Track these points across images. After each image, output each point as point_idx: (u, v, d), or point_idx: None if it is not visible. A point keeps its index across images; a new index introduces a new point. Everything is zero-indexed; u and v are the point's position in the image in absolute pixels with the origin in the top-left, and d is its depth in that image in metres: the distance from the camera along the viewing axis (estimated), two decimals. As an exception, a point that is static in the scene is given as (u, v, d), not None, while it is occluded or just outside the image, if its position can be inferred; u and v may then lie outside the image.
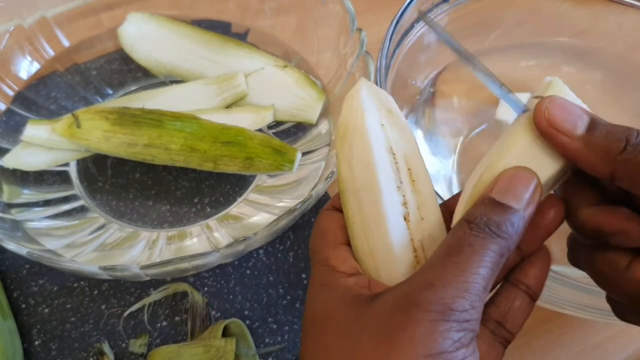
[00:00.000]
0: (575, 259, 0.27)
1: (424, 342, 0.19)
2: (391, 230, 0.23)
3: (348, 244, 0.25)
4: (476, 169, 0.24)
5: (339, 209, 0.26)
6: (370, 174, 0.24)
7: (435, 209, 0.24)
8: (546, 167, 0.23)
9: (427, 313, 0.19)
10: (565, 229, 0.26)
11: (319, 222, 0.26)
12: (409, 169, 0.24)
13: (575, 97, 0.24)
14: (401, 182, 0.24)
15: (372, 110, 0.24)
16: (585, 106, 0.24)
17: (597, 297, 0.31)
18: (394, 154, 0.24)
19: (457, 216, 0.23)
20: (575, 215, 0.24)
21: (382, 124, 0.25)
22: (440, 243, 0.22)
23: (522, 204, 0.22)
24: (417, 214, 0.24)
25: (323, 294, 0.23)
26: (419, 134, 0.47)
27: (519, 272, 0.25)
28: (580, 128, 0.22)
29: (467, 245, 0.21)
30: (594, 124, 0.22)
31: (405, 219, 0.23)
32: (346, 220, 0.25)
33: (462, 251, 0.20)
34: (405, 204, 0.24)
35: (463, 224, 0.21)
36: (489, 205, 0.22)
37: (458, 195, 0.25)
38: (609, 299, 0.26)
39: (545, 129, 0.22)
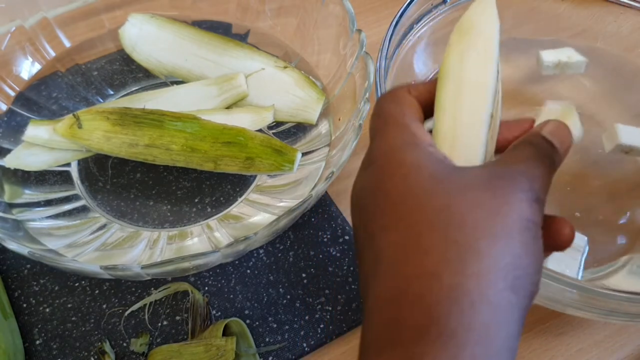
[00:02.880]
0: None
1: (519, 206, 0.21)
2: (482, 131, 0.26)
3: (422, 122, 0.26)
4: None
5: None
6: (483, 75, 0.26)
7: (495, 133, 0.27)
8: None
9: (520, 189, 0.22)
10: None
11: (394, 93, 0.27)
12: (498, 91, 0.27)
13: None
14: (496, 94, 0.26)
15: (498, 22, 0.27)
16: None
17: (597, 297, 0.32)
18: (498, 71, 0.27)
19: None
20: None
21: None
22: (511, 151, 0.25)
23: (562, 150, 0.25)
24: (493, 127, 0.26)
25: (410, 150, 0.24)
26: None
27: None
28: None
29: (537, 157, 0.24)
30: None
31: (489, 126, 0.26)
32: (436, 103, 0.26)
33: (536, 158, 0.24)
34: (492, 115, 0.26)
35: (527, 145, 0.24)
36: (544, 139, 0.25)
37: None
38: None
39: None
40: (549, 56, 0.47)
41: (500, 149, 0.27)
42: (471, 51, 0.26)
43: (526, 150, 0.24)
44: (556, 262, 0.40)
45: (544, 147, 0.25)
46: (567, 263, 0.39)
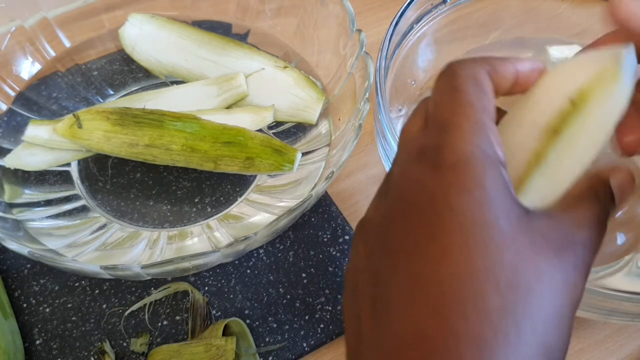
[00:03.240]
0: None
1: (580, 285, 0.20)
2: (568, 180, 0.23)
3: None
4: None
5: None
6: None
7: None
8: None
9: (574, 264, 0.20)
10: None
11: (474, 70, 0.21)
12: None
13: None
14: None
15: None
16: None
17: (597, 297, 0.32)
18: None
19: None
20: (618, 138, 0.25)
21: None
22: (581, 210, 0.22)
23: (620, 205, 0.23)
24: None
25: (484, 170, 0.18)
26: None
27: None
28: None
29: (601, 218, 0.22)
30: None
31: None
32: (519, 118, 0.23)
33: (600, 222, 0.21)
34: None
35: (594, 200, 0.22)
36: (609, 193, 0.22)
37: None
38: None
39: (622, 17, 0.21)
40: (557, 52, 0.47)
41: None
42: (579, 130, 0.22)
43: (592, 209, 0.22)
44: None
45: (607, 206, 0.22)
46: None
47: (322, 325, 0.39)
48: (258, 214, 0.43)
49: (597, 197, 0.22)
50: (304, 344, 0.39)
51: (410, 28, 0.45)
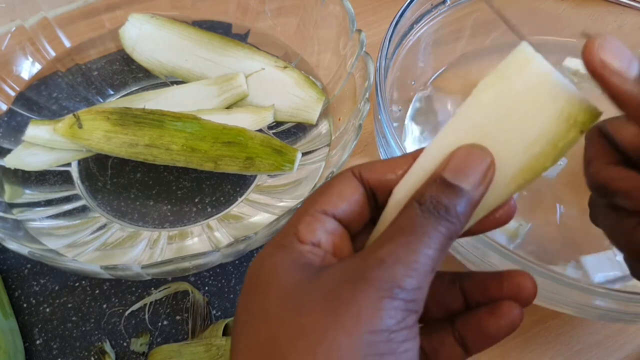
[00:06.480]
0: (594, 217, 0.27)
1: (369, 317, 0.19)
2: None
3: (335, 217, 0.23)
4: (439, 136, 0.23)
5: (358, 178, 0.23)
6: None
7: None
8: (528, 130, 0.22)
9: (375, 289, 0.19)
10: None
11: (331, 181, 0.23)
12: None
13: (546, 64, 0.22)
14: None
15: None
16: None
17: (596, 297, 0.32)
18: None
19: (406, 188, 0.22)
20: (588, 167, 0.25)
21: None
22: (392, 221, 0.21)
23: (473, 186, 0.21)
24: None
25: (275, 254, 0.22)
26: (418, 134, 0.47)
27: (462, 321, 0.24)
28: (634, 71, 0.21)
29: (419, 225, 0.20)
30: None
31: None
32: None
33: (413, 231, 0.20)
34: None
35: (414, 204, 0.21)
36: (440, 186, 0.21)
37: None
38: (626, 260, 0.26)
39: (597, 68, 0.21)
40: (572, 63, 0.47)
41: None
42: None
43: (402, 219, 0.21)
44: (557, 261, 0.40)
45: (437, 202, 0.21)
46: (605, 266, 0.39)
47: (322, 325, 0.39)
48: (258, 214, 0.43)
49: (413, 201, 0.21)
50: (304, 344, 0.39)
51: (410, 28, 0.45)
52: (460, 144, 0.22)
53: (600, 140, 0.25)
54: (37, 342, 0.39)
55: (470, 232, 0.23)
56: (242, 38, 0.52)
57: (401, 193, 0.23)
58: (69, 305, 0.40)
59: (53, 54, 0.49)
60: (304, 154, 0.45)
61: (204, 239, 0.42)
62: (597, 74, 0.21)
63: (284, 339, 0.19)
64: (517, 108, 0.22)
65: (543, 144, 0.21)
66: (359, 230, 0.24)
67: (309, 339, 0.19)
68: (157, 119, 0.42)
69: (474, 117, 0.22)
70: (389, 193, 0.23)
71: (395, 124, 0.46)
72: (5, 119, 0.46)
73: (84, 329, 0.39)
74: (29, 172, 0.44)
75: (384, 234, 0.21)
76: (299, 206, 0.35)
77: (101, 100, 0.50)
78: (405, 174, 0.23)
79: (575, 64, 0.48)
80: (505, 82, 0.22)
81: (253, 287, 0.22)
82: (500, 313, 0.23)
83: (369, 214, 0.24)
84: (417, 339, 0.20)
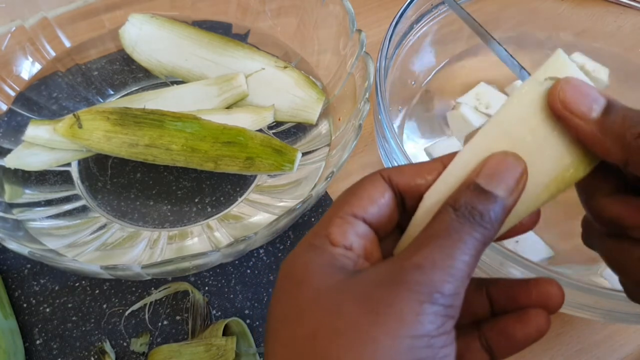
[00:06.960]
0: (588, 240, 0.27)
1: (410, 321, 0.19)
2: None
3: (365, 221, 0.23)
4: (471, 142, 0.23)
5: (387, 182, 0.23)
6: None
7: None
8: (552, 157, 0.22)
9: (415, 293, 0.19)
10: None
11: (360, 183, 0.23)
12: None
13: (579, 72, 0.23)
14: None
15: None
16: (590, 82, 0.23)
17: (596, 297, 0.32)
18: None
19: (438, 194, 0.23)
20: (592, 202, 0.24)
21: None
22: (425, 226, 0.21)
23: (506, 192, 0.21)
24: None
25: (307, 253, 0.22)
26: (417, 134, 0.47)
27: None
28: (596, 111, 0.21)
29: (454, 231, 0.20)
30: (610, 107, 0.22)
31: None
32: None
33: (449, 236, 0.20)
34: None
35: (448, 209, 0.21)
36: (474, 191, 0.21)
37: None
38: (622, 282, 0.26)
39: (559, 111, 0.21)
40: (577, 58, 0.47)
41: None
42: None
43: (436, 224, 0.21)
44: (558, 261, 0.40)
45: (471, 208, 0.21)
46: None
47: (322, 325, 0.39)
48: (258, 214, 0.43)
49: (447, 206, 0.21)
50: (304, 344, 0.39)
51: (410, 28, 0.45)
52: (493, 151, 0.22)
53: (601, 170, 0.24)
54: (37, 342, 0.39)
55: (496, 239, 0.23)
56: (242, 38, 0.52)
57: (433, 198, 0.23)
58: (69, 305, 0.40)
59: (53, 54, 0.49)
60: (304, 154, 0.45)
61: (204, 239, 0.42)
62: (561, 117, 0.22)
63: (323, 336, 0.19)
64: (551, 116, 0.22)
65: (576, 152, 0.22)
66: (387, 234, 0.24)
67: (349, 336, 0.19)
68: (157, 119, 0.42)
69: (507, 124, 0.22)
70: (418, 198, 0.23)
71: (395, 124, 0.46)
72: (5, 119, 0.46)
73: (84, 329, 0.39)
74: (29, 172, 0.44)
75: (418, 239, 0.21)
76: (299, 206, 0.35)
77: (101, 100, 0.50)
78: (435, 180, 0.23)
79: (581, 59, 0.48)
80: (539, 90, 0.22)
81: (287, 285, 0.22)
82: (528, 320, 0.23)
83: (398, 219, 0.24)
84: (454, 345, 0.20)
